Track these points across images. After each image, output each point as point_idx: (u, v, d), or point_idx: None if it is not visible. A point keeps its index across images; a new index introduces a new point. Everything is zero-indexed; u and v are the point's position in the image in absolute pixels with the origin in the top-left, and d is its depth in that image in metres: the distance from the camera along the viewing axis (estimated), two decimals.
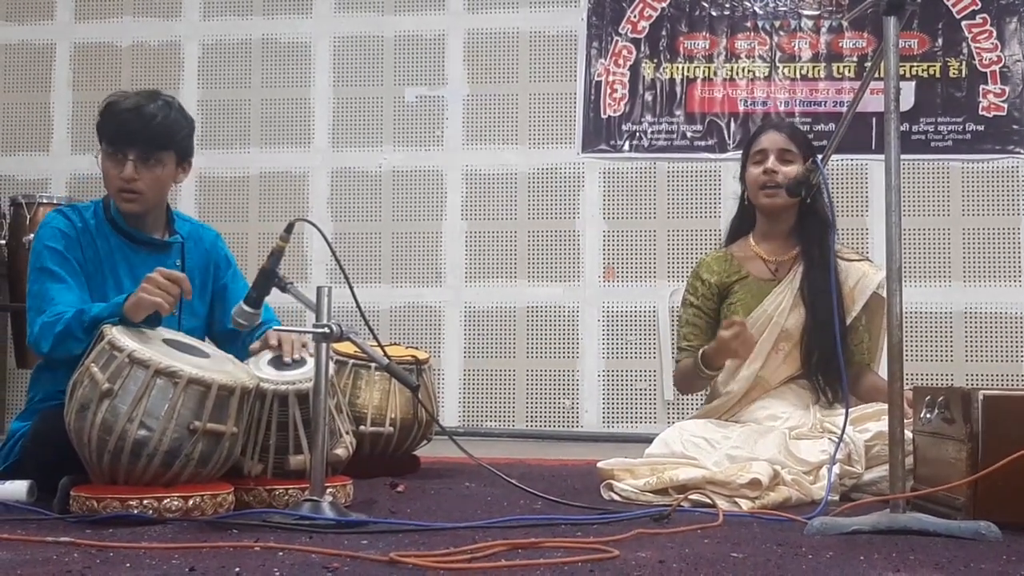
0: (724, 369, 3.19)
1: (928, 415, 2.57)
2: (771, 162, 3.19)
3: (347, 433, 2.77)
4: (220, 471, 2.48)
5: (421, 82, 5.74)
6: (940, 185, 5.37)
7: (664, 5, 5.60)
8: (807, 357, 3.17)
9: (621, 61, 5.60)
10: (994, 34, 5.38)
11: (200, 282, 2.97)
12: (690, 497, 2.67)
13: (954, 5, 5.42)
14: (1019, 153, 5.33)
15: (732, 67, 5.55)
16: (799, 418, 3.06)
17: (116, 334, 2.44)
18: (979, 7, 5.39)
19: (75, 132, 5.86)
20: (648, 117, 5.57)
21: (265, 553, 1.95)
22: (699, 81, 5.56)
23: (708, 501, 2.63)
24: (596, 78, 5.61)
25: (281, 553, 1.94)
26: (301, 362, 2.71)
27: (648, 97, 5.58)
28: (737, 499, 2.68)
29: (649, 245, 5.52)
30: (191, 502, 2.34)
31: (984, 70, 5.39)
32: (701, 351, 3.12)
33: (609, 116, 5.59)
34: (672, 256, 5.48)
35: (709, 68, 5.56)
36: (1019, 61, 5.36)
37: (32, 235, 2.79)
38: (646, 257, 5.53)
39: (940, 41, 5.42)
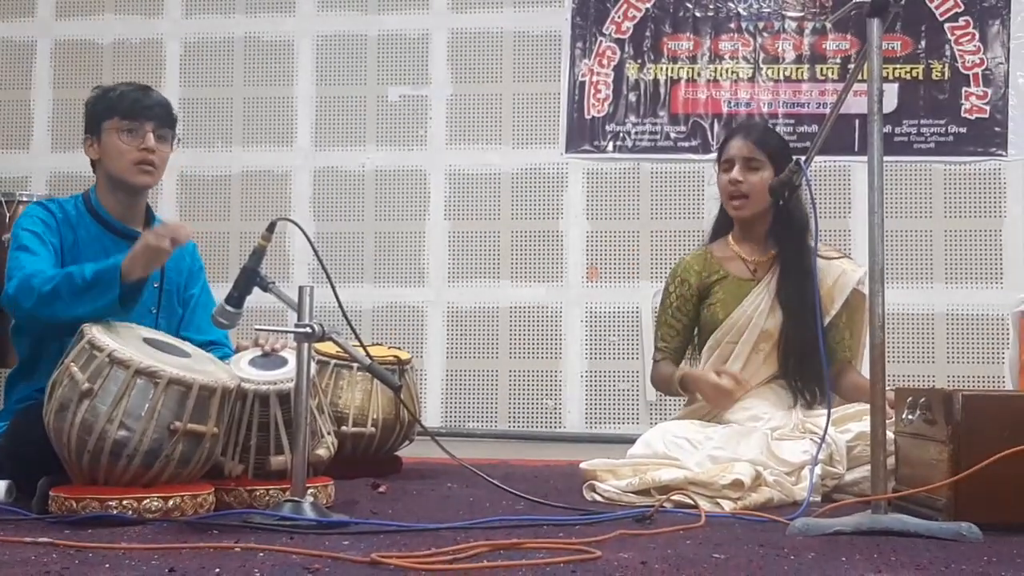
0: (706, 371, 3.20)
1: (910, 416, 2.58)
2: (736, 171, 3.20)
3: (328, 433, 2.76)
4: (200, 471, 2.47)
5: (404, 81, 5.73)
6: (922, 187, 5.39)
7: (648, 6, 5.60)
8: (784, 359, 3.17)
9: (605, 61, 5.60)
10: (977, 36, 5.40)
11: (176, 283, 2.98)
12: (672, 498, 2.67)
13: (937, 7, 5.44)
14: (1001, 155, 5.35)
15: (716, 68, 5.56)
16: (781, 419, 3.07)
17: (96, 333, 2.42)
18: (962, 9, 5.42)
19: (55, 130, 5.82)
20: (632, 118, 5.57)
21: (245, 554, 1.94)
22: (683, 82, 5.57)
23: (690, 502, 2.63)
24: (580, 78, 5.61)
25: (262, 554, 1.93)
26: (283, 362, 2.70)
27: (632, 98, 5.58)
28: (719, 500, 2.68)
29: (632, 245, 5.53)
30: (171, 503, 2.33)
31: (967, 72, 5.41)
32: (682, 375, 3.16)
33: (593, 116, 5.59)
34: (655, 257, 5.48)
35: (693, 69, 5.57)
36: (1001, 64, 5.38)
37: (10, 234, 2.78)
38: (629, 257, 5.53)
39: (923, 43, 5.44)
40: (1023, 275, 5.25)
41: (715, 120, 5.53)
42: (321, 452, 2.67)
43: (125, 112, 2.80)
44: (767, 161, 3.19)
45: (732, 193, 3.21)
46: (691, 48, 5.58)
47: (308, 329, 2.32)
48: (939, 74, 5.42)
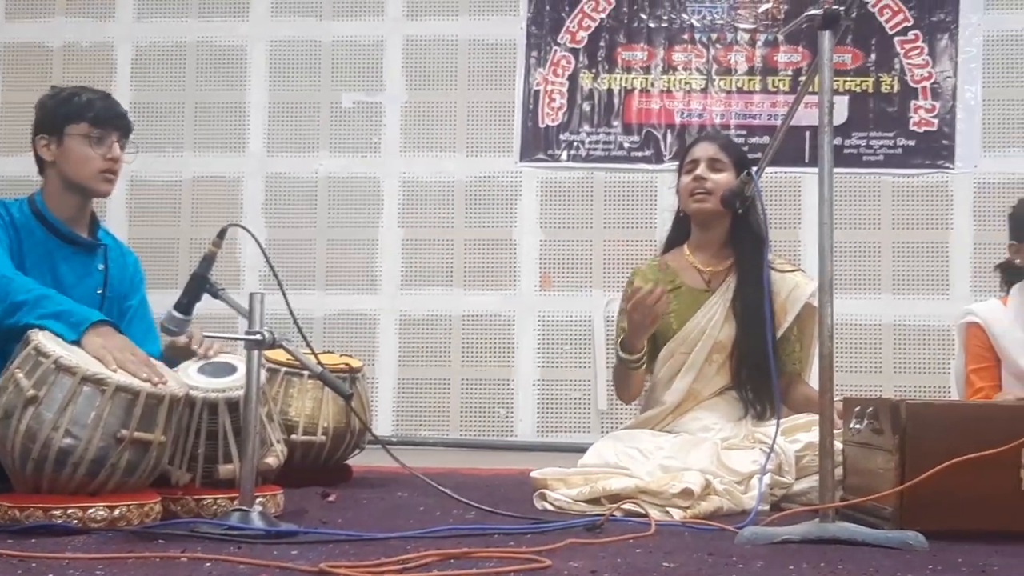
0: (659, 381, 3.21)
1: (857, 425, 2.60)
2: (701, 169, 3.22)
3: (278, 442, 2.74)
4: (147, 480, 2.43)
5: (358, 88, 5.71)
6: (871, 199, 5.46)
7: (603, 16, 5.63)
8: (737, 371, 3.19)
9: (560, 71, 5.62)
10: (925, 50, 5.48)
11: (119, 292, 2.97)
12: (623, 507, 2.67)
13: (887, 22, 5.51)
14: (948, 168, 5.43)
15: (669, 79, 5.60)
16: (731, 429, 3.09)
17: (43, 340, 2.39)
18: (911, 24, 5.50)
19: (3, 134, 5.73)
20: (586, 127, 5.59)
21: (192, 564, 1.92)
22: (636, 92, 5.60)
23: (641, 511, 2.64)
24: (535, 87, 5.62)
25: (209, 564, 1.91)
26: (232, 370, 2.68)
27: (586, 107, 5.60)
28: (669, 509, 2.69)
29: (585, 254, 5.54)
30: (117, 512, 2.29)
31: (915, 86, 5.48)
32: (620, 339, 3.13)
33: (547, 125, 5.60)
34: (608, 266, 5.50)
35: (646, 79, 5.60)
36: (949, 78, 5.47)
37: None
38: (582, 266, 5.54)
39: (873, 57, 5.51)
40: (969, 287, 5.33)
41: (668, 130, 5.56)
42: (270, 461, 2.65)
43: (95, 120, 2.79)
44: (730, 164, 3.22)
45: (695, 189, 3.22)
46: (645, 58, 5.61)
47: (258, 336, 2.31)
48: (888, 87, 5.50)
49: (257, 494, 2.37)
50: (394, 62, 5.71)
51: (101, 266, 2.91)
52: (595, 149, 5.59)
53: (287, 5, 5.76)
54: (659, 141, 5.56)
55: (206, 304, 2.47)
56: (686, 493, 2.70)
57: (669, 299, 3.05)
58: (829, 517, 2.31)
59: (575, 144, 5.59)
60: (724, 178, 3.18)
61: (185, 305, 2.45)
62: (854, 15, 2.83)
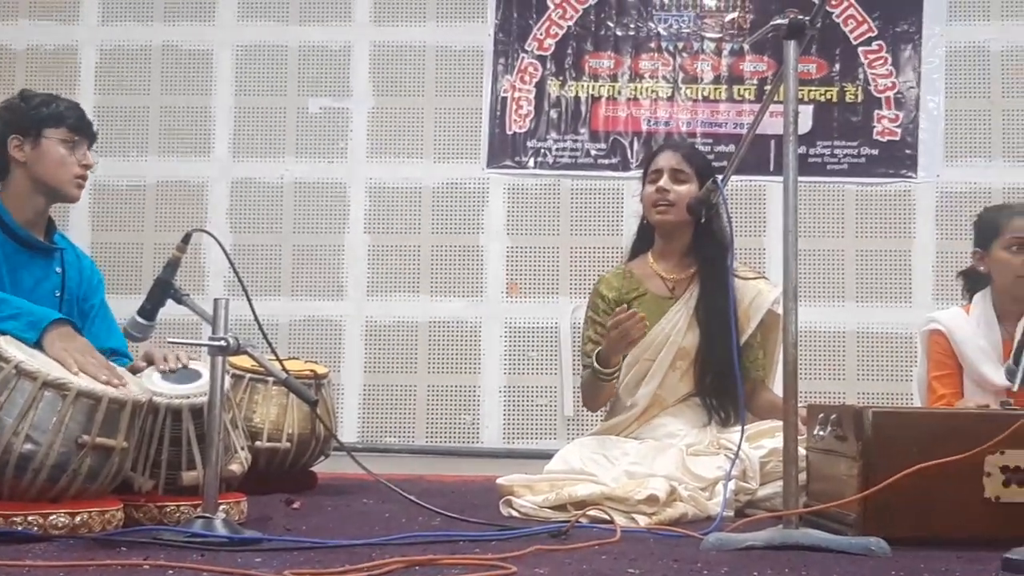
0: (624, 387, 3.22)
1: (821, 432, 2.62)
2: (664, 181, 3.24)
3: (242, 449, 2.73)
4: (109, 487, 2.41)
5: (325, 93, 5.69)
6: (835, 207, 5.50)
7: (570, 24, 5.64)
8: (701, 377, 3.21)
9: (527, 78, 5.63)
10: (889, 61, 5.54)
11: (76, 294, 2.96)
12: (588, 513, 2.68)
13: (851, 32, 5.57)
14: (911, 177, 5.49)
15: (636, 87, 5.62)
16: (696, 435, 3.10)
17: (3, 344, 2.36)
18: (875, 34, 5.55)
19: None
20: (553, 134, 5.61)
21: (154, 571, 1.90)
22: (603, 100, 5.62)
23: (606, 517, 2.64)
24: (502, 94, 5.63)
25: (171, 572, 1.89)
26: (196, 376, 2.66)
27: (553, 114, 5.61)
28: (634, 515, 2.69)
29: (552, 261, 5.55)
30: (78, 518, 2.27)
31: (879, 96, 5.54)
32: (596, 351, 3.14)
33: (514, 132, 5.61)
34: (574, 273, 5.51)
35: (613, 87, 5.62)
36: (913, 88, 5.52)
37: None
38: (549, 273, 5.55)
39: (837, 66, 5.56)
40: (931, 295, 5.38)
41: (635, 138, 5.59)
42: (234, 467, 2.63)
43: (73, 126, 2.85)
44: (694, 175, 3.24)
45: (658, 200, 3.24)
46: (612, 66, 5.63)
47: (223, 342, 2.29)
48: (852, 97, 5.55)
49: (221, 501, 2.36)
50: (361, 68, 5.70)
51: (58, 269, 2.91)
52: (562, 156, 5.60)
53: (253, 10, 5.73)
54: (626, 149, 5.58)
55: (170, 310, 2.45)
56: (651, 499, 2.71)
57: (645, 327, 3.06)
58: (793, 523, 2.32)
59: (542, 151, 5.60)
60: (687, 189, 3.20)
61: (149, 311, 2.43)
62: (819, 25, 2.87)
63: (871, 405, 2.46)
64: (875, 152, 5.52)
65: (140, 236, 5.59)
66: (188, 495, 2.51)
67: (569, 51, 5.64)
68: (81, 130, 2.87)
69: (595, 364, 3.13)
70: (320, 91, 5.70)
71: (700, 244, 3.26)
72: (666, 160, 3.28)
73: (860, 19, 5.55)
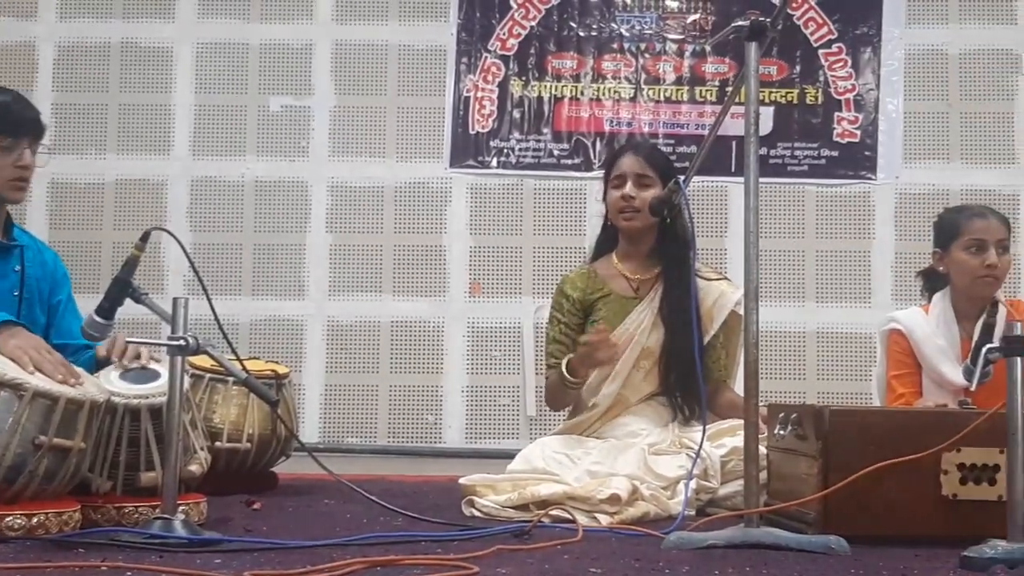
0: (587, 387, 3.22)
1: (782, 431, 2.64)
2: (629, 187, 3.25)
3: (202, 449, 2.70)
4: (67, 488, 2.38)
5: (287, 91, 5.66)
6: (796, 208, 5.54)
7: (533, 24, 5.64)
8: (665, 375, 3.22)
9: (490, 78, 5.62)
10: (849, 63, 5.59)
11: (39, 291, 2.91)
12: (551, 513, 2.68)
13: (812, 34, 5.61)
14: (870, 179, 5.54)
15: (599, 87, 5.63)
16: (658, 435, 3.11)
17: None
18: (835, 36, 5.59)
19: None
20: (516, 134, 5.61)
21: (112, 573, 1.88)
22: (566, 100, 5.63)
23: (568, 516, 2.64)
24: (465, 94, 5.62)
25: (130, 573, 1.88)
26: (155, 376, 2.64)
27: (516, 114, 5.61)
28: (597, 514, 2.70)
29: (515, 261, 5.55)
30: (35, 520, 2.24)
31: (839, 98, 5.58)
32: (566, 360, 3.15)
33: (477, 132, 5.61)
34: (538, 273, 5.51)
35: (576, 88, 5.63)
36: (872, 90, 5.57)
37: None
38: (512, 273, 5.55)
39: (798, 68, 5.60)
40: (890, 295, 5.43)
41: (597, 138, 5.60)
42: (193, 468, 2.61)
43: (4, 129, 2.73)
44: (657, 178, 3.25)
45: (624, 208, 3.25)
46: (575, 67, 5.64)
47: (182, 342, 2.27)
48: (813, 99, 5.59)
49: (180, 502, 2.33)
50: (323, 66, 5.67)
51: (17, 267, 2.86)
52: (525, 156, 5.60)
53: (214, 7, 5.69)
54: (588, 149, 5.59)
55: (129, 309, 2.42)
56: (613, 499, 2.71)
57: (615, 355, 3.11)
58: (754, 522, 2.33)
59: (505, 151, 5.60)
60: (651, 194, 3.21)
61: (107, 309, 2.40)
62: (780, 27, 2.88)
63: (831, 404, 2.48)
64: (835, 154, 5.56)
65: (99, 235, 5.53)
66: (147, 496, 2.49)
67: (532, 51, 5.64)
68: (15, 130, 2.74)
69: (564, 371, 3.14)
70: (282, 89, 5.67)
71: (664, 245, 3.28)
72: (629, 165, 3.28)
73: (820, 22, 5.60)
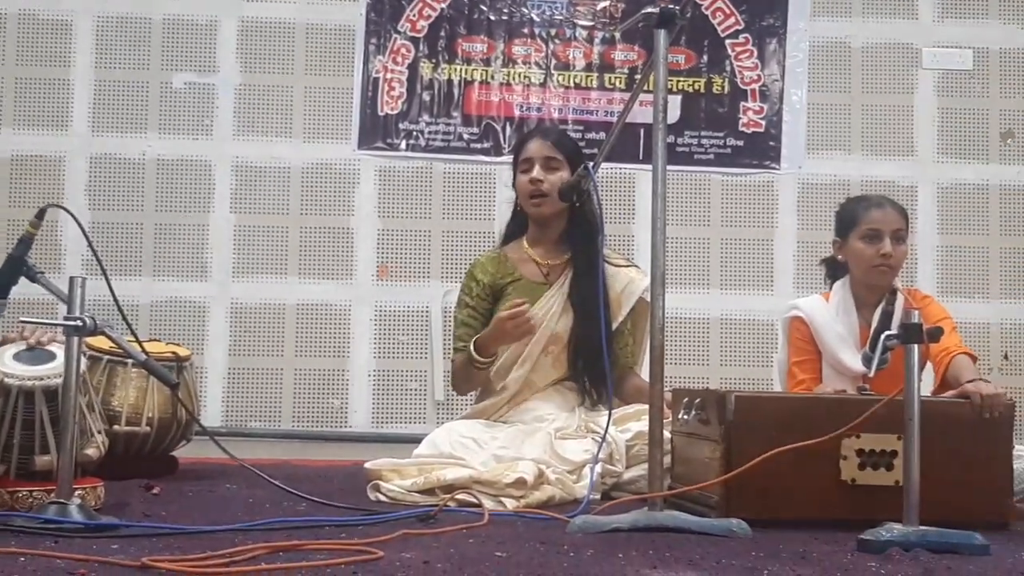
0: (496, 371, 3.22)
1: (686, 416, 2.67)
2: (536, 171, 3.25)
3: (99, 432, 2.64)
4: None
5: (190, 68, 5.54)
6: (702, 196, 5.60)
7: (443, 6, 5.61)
8: (574, 360, 3.23)
9: (399, 59, 5.57)
10: (755, 54, 5.66)
11: None
12: (457, 497, 2.68)
13: (720, 24, 5.67)
14: (774, 168, 5.62)
15: (509, 72, 5.62)
16: (565, 419, 3.12)
17: None
18: (742, 27, 5.66)
19: None
20: (425, 117, 5.57)
21: (5, 559, 1.82)
22: (476, 84, 5.61)
23: (474, 501, 2.64)
24: (374, 75, 5.57)
25: (23, 559, 1.82)
26: (50, 356, 2.57)
27: (426, 97, 5.58)
28: (503, 498, 2.70)
29: (424, 245, 5.52)
30: None
31: (745, 88, 5.66)
32: (474, 338, 3.14)
33: (386, 114, 5.56)
34: (446, 256, 5.49)
35: (487, 71, 5.61)
36: (777, 81, 5.66)
37: None
38: (420, 257, 5.52)
39: (705, 58, 5.65)
40: (792, 283, 5.53)
41: (507, 123, 5.59)
42: (90, 452, 2.55)
43: None
44: (565, 162, 3.26)
45: (533, 192, 3.25)
46: (485, 51, 5.62)
47: (78, 322, 2.21)
48: (719, 88, 5.65)
49: (76, 486, 2.29)
50: (228, 43, 5.56)
51: None
52: (434, 139, 5.57)
53: None
54: (498, 133, 5.58)
55: (24, 288, 2.36)
56: (519, 483, 2.72)
57: (533, 331, 3.11)
58: (658, 505, 2.36)
59: (414, 134, 5.56)
60: (559, 177, 3.22)
61: (0, 288, 2.33)
62: (688, 16, 2.92)
63: (733, 390, 2.52)
64: (740, 143, 5.63)
65: None
66: (41, 480, 2.43)
67: (442, 33, 5.61)
68: None
69: (472, 352, 3.13)
70: (185, 66, 5.54)
71: (574, 231, 3.29)
72: (537, 149, 3.29)
73: (728, 12, 5.66)
